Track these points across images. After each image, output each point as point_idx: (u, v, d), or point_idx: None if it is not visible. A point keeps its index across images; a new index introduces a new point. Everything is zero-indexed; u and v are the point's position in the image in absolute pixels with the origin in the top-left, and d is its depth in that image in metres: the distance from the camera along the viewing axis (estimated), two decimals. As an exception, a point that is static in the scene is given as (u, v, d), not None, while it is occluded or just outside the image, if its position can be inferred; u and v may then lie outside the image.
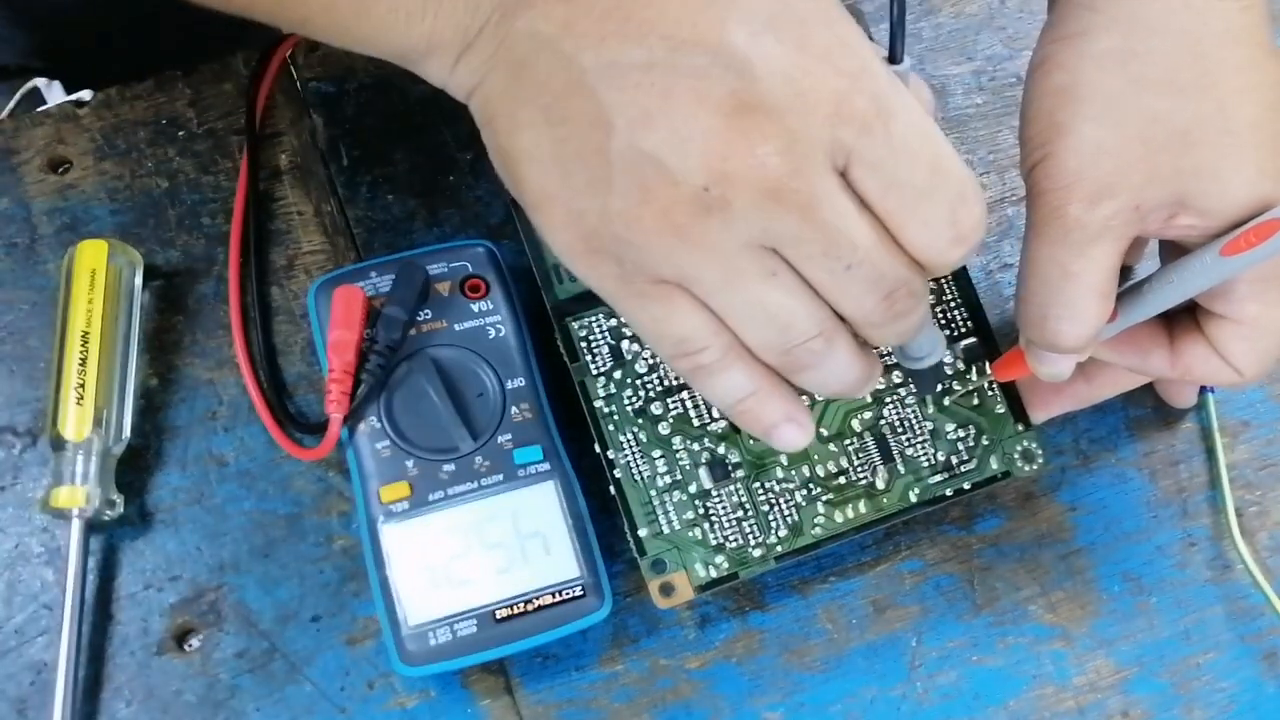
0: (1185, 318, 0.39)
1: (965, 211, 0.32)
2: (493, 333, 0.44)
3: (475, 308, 0.44)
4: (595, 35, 0.30)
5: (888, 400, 0.45)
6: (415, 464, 0.42)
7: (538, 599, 0.41)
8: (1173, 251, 0.38)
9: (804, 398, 0.41)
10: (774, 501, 0.43)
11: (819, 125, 0.30)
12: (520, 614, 0.41)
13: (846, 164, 0.31)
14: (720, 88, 0.30)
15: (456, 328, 0.44)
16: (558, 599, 0.41)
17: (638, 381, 0.43)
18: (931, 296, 0.44)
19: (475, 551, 0.41)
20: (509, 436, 0.43)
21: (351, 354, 0.42)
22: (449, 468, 0.42)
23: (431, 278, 0.44)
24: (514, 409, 0.43)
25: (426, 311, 0.43)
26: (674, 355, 0.34)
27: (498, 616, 0.41)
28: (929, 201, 0.31)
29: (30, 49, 0.62)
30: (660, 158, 0.30)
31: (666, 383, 0.43)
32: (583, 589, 0.42)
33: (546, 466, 0.43)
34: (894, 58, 0.33)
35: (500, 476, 0.42)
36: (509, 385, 0.43)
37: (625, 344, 0.43)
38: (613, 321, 0.43)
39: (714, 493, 0.43)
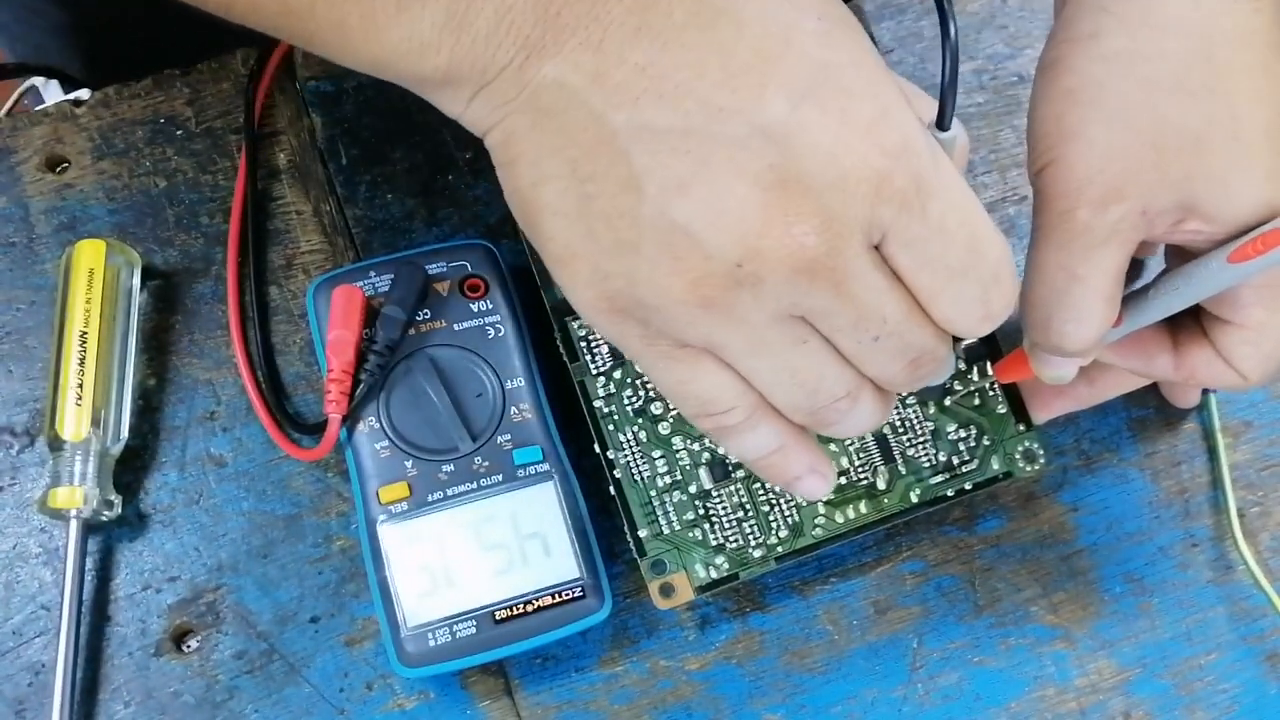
0: (1189, 321, 0.39)
1: (997, 292, 0.32)
2: (492, 333, 0.44)
3: (474, 307, 0.44)
4: (628, 93, 0.29)
5: (889, 400, 0.44)
6: (414, 464, 0.42)
7: (537, 600, 0.41)
8: (1179, 256, 0.38)
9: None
10: (774, 502, 0.43)
11: (858, 204, 0.29)
12: (520, 615, 0.41)
13: (882, 240, 0.30)
14: (758, 160, 0.29)
15: (455, 328, 0.43)
16: (557, 600, 0.41)
17: (637, 381, 0.43)
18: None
19: (474, 552, 0.41)
20: (508, 437, 0.42)
21: (350, 354, 0.42)
22: (448, 468, 0.42)
23: (430, 277, 0.44)
24: (513, 409, 0.43)
25: (425, 311, 0.43)
26: (698, 415, 0.34)
27: (497, 618, 0.41)
28: (962, 281, 0.31)
29: (37, 47, 0.62)
30: (693, 230, 0.30)
31: (666, 383, 0.43)
32: (582, 590, 0.41)
33: (546, 467, 0.42)
34: (942, 124, 0.32)
35: (499, 477, 0.42)
36: (508, 385, 0.43)
37: (625, 344, 0.43)
38: (613, 321, 0.43)
39: (714, 493, 0.43)
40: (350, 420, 0.42)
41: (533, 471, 0.42)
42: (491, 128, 0.32)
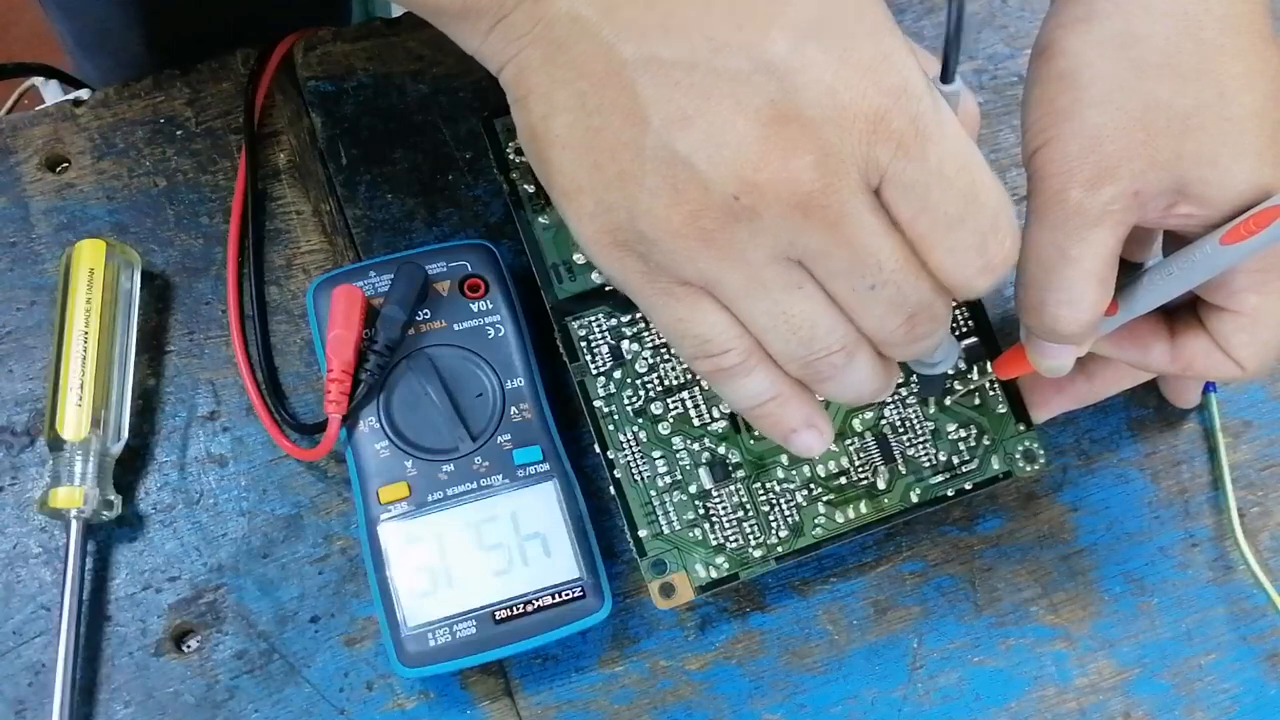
0: (1186, 312, 0.39)
1: (995, 243, 0.32)
2: (492, 333, 0.44)
3: (474, 307, 0.44)
4: (638, 27, 0.30)
5: (889, 400, 0.44)
6: (414, 464, 0.42)
7: (537, 600, 0.41)
8: (1175, 245, 0.38)
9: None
10: (774, 502, 0.43)
11: (855, 141, 0.30)
12: (520, 615, 0.41)
13: (880, 183, 0.30)
14: (759, 95, 0.29)
15: (455, 328, 0.43)
16: (557, 600, 0.41)
17: (638, 381, 0.43)
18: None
19: (475, 552, 0.41)
20: (508, 437, 0.42)
21: (350, 354, 0.42)
22: (448, 468, 0.42)
23: (430, 277, 0.44)
24: (513, 409, 0.43)
25: (425, 311, 0.43)
26: (695, 356, 0.34)
27: (497, 618, 0.41)
28: (959, 230, 0.31)
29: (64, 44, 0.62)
30: (693, 161, 0.30)
31: (666, 382, 0.43)
32: (582, 590, 0.41)
33: (546, 467, 0.42)
34: (946, 76, 0.32)
35: (500, 477, 0.42)
36: (508, 385, 0.43)
37: (625, 344, 0.43)
38: (613, 321, 0.43)
39: (714, 493, 0.43)
40: (350, 420, 0.42)
41: (533, 471, 0.42)
42: (506, 62, 0.32)
